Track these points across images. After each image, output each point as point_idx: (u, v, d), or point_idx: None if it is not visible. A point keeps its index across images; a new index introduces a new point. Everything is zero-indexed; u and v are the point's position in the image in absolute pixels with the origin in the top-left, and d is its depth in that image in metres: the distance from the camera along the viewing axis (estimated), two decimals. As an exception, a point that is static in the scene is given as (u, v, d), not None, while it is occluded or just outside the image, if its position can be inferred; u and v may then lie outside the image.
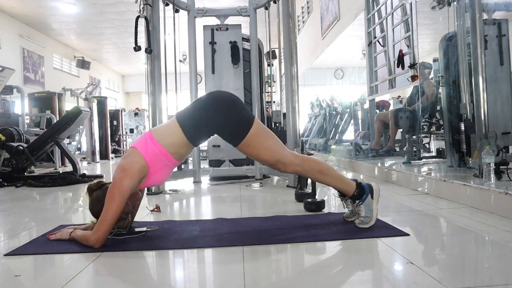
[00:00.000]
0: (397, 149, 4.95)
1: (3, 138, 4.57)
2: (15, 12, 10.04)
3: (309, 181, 3.13)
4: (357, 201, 1.92)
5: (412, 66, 3.83)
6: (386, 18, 4.57)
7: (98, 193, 1.84)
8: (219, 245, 1.75)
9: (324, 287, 1.29)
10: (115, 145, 10.16)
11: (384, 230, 1.86)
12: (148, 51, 3.32)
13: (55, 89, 8.45)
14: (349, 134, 7.53)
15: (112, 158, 9.21)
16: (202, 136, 1.95)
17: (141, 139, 1.88)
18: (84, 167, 6.51)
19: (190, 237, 1.86)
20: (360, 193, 1.92)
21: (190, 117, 1.89)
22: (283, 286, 1.31)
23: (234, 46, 4.02)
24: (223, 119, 1.87)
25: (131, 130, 13.37)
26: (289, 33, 3.45)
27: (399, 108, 4.89)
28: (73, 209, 2.94)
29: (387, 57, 4.74)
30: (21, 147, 4.50)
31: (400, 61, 3.98)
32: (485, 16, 3.09)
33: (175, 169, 3.68)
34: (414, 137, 4.23)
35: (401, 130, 4.55)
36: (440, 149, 4.22)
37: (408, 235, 1.77)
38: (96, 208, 1.81)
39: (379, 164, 4.12)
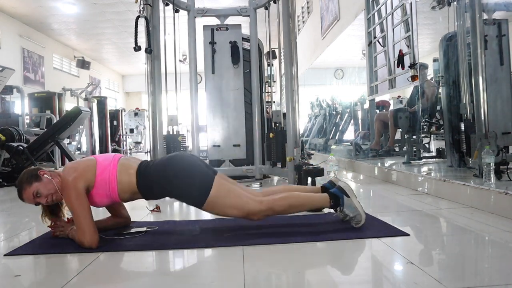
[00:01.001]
0: (397, 149, 4.94)
1: (3, 138, 4.57)
2: (15, 12, 10.03)
3: (309, 181, 3.14)
4: (338, 208, 1.93)
5: (412, 66, 3.83)
6: (386, 18, 4.57)
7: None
8: (219, 245, 1.75)
9: (324, 287, 1.29)
10: (115, 145, 10.16)
11: (384, 230, 1.86)
12: (148, 51, 3.32)
13: (55, 89, 8.44)
14: (349, 134, 7.53)
15: (112, 158, 9.19)
16: (157, 196, 1.92)
17: (107, 157, 1.85)
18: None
19: (190, 237, 1.87)
20: (335, 201, 1.92)
21: (148, 177, 1.83)
22: (283, 286, 1.31)
23: (234, 46, 4.02)
24: (180, 191, 1.83)
25: (131, 130, 13.37)
26: (289, 33, 3.45)
27: (399, 108, 4.89)
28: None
29: (387, 57, 4.74)
30: (21, 147, 4.51)
31: (400, 61, 3.98)
32: (485, 16, 3.09)
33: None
34: (414, 137, 4.23)
35: (400, 130, 4.55)
36: (440, 149, 4.22)
37: (408, 235, 1.77)
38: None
39: (379, 164, 4.12)
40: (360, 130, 6.71)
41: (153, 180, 1.82)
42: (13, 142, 4.61)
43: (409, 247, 1.66)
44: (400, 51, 4.00)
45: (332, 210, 1.97)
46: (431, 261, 1.52)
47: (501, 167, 2.59)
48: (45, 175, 1.79)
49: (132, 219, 2.12)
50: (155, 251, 1.68)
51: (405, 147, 4.60)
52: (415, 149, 4.19)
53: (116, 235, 1.80)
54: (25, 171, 1.82)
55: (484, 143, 2.70)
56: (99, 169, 1.77)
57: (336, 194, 1.93)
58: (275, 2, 3.86)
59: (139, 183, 1.81)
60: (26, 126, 6.54)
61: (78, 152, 8.65)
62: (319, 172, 3.12)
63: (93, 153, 8.01)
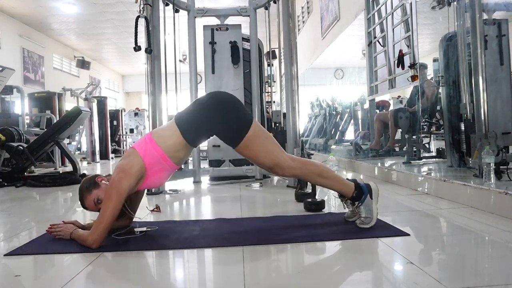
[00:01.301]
0: (397, 149, 4.94)
1: (3, 138, 4.57)
2: (15, 12, 10.04)
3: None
4: (356, 203, 1.92)
5: (412, 66, 3.83)
6: (386, 18, 4.57)
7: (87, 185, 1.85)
8: (219, 245, 1.75)
9: (324, 287, 1.29)
10: (115, 145, 10.16)
11: (384, 230, 1.86)
12: (148, 51, 3.32)
13: (55, 89, 8.44)
14: (349, 134, 7.53)
15: (112, 158, 9.21)
16: (201, 137, 1.96)
17: (141, 140, 1.88)
18: (84, 167, 6.51)
19: (190, 237, 1.86)
20: (358, 194, 1.92)
21: (189, 119, 1.89)
22: (283, 286, 1.31)
23: (234, 46, 4.02)
24: (222, 120, 1.87)
25: (131, 130, 13.37)
26: (289, 33, 3.45)
27: (399, 108, 4.89)
28: (73, 209, 2.94)
29: (387, 57, 4.74)
30: (21, 147, 4.50)
31: (400, 61, 3.98)
32: (485, 16, 3.09)
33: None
34: (414, 137, 4.23)
35: (400, 130, 4.56)
36: (440, 149, 4.22)
37: (408, 235, 1.77)
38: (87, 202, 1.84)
39: (379, 164, 4.12)
40: (360, 130, 6.71)
41: (197, 117, 1.88)
42: (13, 142, 4.61)
43: (409, 247, 1.66)
44: (400, 51, 4.00)
45: (333, 210, 1.97)
46: (431, 261, 1.52)
47: (501, 167, 2.59)
48: (103, 181, 1.84)
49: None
50: (155, 251, 1.68)
51: (405, 147, 4.61)
52: (415, 149, 4.19)
53: (117, 236, 1.80)
54: (84, 180, 1.87)
55: (484, 143, 2.70)
56: (142, 154, 1.79)
57: (363, 189, 1.93)
58: (275, 2, 3.86)
59: (185, 134, 1.84)
60: (26, 126, 6.55)
61: (78, 152, 8.65)
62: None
63: (93, 153, 8.01)
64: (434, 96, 4.51)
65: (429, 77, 4.91)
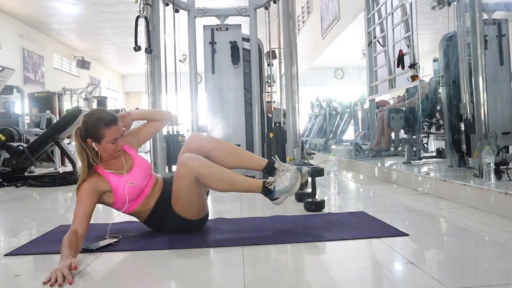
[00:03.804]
0: (392, 149, 4.94)
1: (3, 138, 4.57)
2: (15, 12, 10.03)
3: (309, 180, 3.13)
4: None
5: (412, 66, 3.82)
6: (386, 18, 4.57)
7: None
8: (219, 245, 1.75)
9: (324, 287, 1.29)
10: (115, 145, 10.14)
11: (384, 230, 1.86)
12: (148, 51, 3.33)
13: (55, 89, 8.44)
14: (349, 134, 7.52)
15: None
16: None
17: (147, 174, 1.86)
18: (84, 167, 6.49)
19: (189, 237, 1.86)
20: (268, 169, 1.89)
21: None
22: (283, 286, 1.31)
23: (234, 46, 4.02)
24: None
25: (131, 130, 13.35)
26: (289, 33, 3.46)
27: (392, 108, 4.89)
28: (73, 209, 2.94)
29: (387, 57, 4.73)
30: (21, 147, 4.50)
31: (400, 61, 3.97)
32: (485, 16, 3.09)
33: (174, 168, 3.68)
34: (414, 137, 4.23)
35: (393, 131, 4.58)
36: (440, 149, 4.22)
37: (408, 235, 1.77)
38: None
39: (379, 164, 4.12)
40: (360, 130, 6.71)
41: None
42: (13, 142, 4.60)
43: (409, 247, 1.66)
44: (400, 51, 4.00)
45: (333, 210, 1.95)
46: (431, 261, 1.52)
47: (501, 167, 2.59)
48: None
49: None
50: (155, 251, 1.68)
51: (399, 147, 4.62)
52: (415, 149, 4.19)
53: (86, 250, 1.65)
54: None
55: (484, 143, 2.70)
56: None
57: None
58: (275, 2, 3.86)
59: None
60: (26, 126, 6.54)
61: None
62: (319, 172, 3.12)
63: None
64: (425, 96, 4.50)
65: (428, 78, 4.91)
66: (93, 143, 1.73)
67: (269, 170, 1.86)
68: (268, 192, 1.79)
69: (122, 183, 1.76)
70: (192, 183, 1.74)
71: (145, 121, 2.03)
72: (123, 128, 1.83)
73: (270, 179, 1.81)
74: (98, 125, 1.71)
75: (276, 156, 2.00)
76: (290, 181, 1.77)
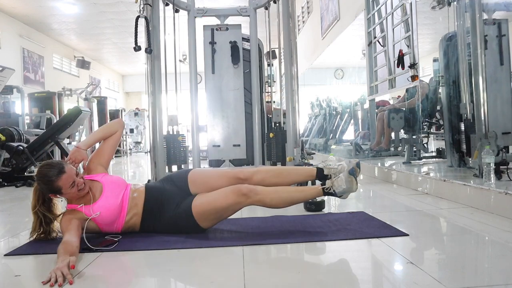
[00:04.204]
0: (392, 149, 4.94)
1: (3, 138, 4.57)
2: (15, 12, 10.03)
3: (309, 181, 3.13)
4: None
5: (412, 66, 3.82)
6: (386, 18, 4.57)
7: None
8: (219, 245, 1.75)
9: (324, 287, 1.29)
10: (115, 145, 10.13)
11: (384, 230, 1.86)
12: (148, 51, 3.32)
13: (55, 89, 8.44)
14: (349, 134, 7.52)
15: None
16: None
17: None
18: (84, 167, 6.50)
19: (190, 237, 1.86)
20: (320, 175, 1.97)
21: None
22: (283, 286, 1.31)
23: (234, 46, 4.01)
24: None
25: (131, 130, 13.37)
26: (289, 33, 3.45)
27: (392, 108, 4.89)
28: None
29: (387, 57, 4.73)
30: (21, 147, 4.50)
31: (400, 61, 3.97)
32: (485, 16, 3.09)
33: (175, 168, 3.69)
34: (414, 137, 4.23)
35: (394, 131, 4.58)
36: (440, 149, 4.22)
37: (408, 235, 1.77)
38: None
39: (379, 164, 4.12)
40: (360, 130, 6.71)
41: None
42: (13, 142, 4.60)
43: (409, 247, 1.66)
44: (400, 51, 4.00)
45: (333, 210, 1.96)
46: (431, 261, 1.52)
47: (501, 167, 2.59)
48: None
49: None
50: (155, 251, 1.68)
51: (399, 147, 4.62)
52: (415, 149, 4.19)
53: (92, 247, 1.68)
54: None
55: (484, 143, 2.70)
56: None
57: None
58: (275, 2, 3.85)
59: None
60: (25, 126, 6.54)
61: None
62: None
63: (92, 151, 7.99)
64: (429, 96, 4.50)
65: (428, 78, 4.91)
66: (57, 196, 1.83)
67: (321, 177, 1.94)
68: (331, 194, 1.88)
69: (92, 212, 1.81)
70: (239, 208, 1.86)
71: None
72: (81, 161, 1.94)
73: (327, 183, 1.88)
74: (49, 181, 1.77)
75: (322, 162, 2.03)
76: (347, 185, 1.85)
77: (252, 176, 1.95)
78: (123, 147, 10.76)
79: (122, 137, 10.95)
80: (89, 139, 2.10)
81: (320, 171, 1.95)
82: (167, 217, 1.88)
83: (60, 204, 1.91)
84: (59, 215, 1.86)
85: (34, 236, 1.84)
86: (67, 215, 1.79)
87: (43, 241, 1.85)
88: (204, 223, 1.86)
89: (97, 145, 2.14)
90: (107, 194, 1.86)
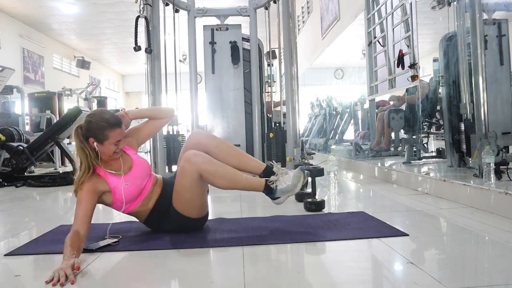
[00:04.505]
0: (392, 149, 4.94)
1: (3, 138, 4.57)
2: (15, 12, 10.03)
3: (309, 180, 3.14)
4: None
5: (412, 66, 3.82)
6: (386, 18, 4.57)
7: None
8: (219, 245, 1.75)
9: (324, 287, 1.29)
10: (115, 145, 10.13)
11: (384, 230, 1.86)
12: (148, 51, 3.33)
13: (55, 89, 8.43)
14: (349, 134, 7.52)
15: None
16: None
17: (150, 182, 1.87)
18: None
19: (189, 237, 1.86)
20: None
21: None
22: (283, 286, 1.31)
23: (234, 46, 4.02)
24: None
25: (131, 130, 13.35)
26: (289, 33, 3.46)
27: (392, 108, 4.89)
28: (73, 209, 2.94)
29: (387, 57, 4.73)
30: (21, 147, 4.50)
31: (400, 61, 3.97)
32: (485, 16, 3.09)
33: (174, 168, 3.68)
34: (414, 137, 4.23)
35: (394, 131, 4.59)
36: (440, 149, 4.22)
37: (408, 235, 1.77)
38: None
39: (379, 164, 4.12)
40: (360, 130, 6.71)
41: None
42: (13, 142, 4.60)
43: (409, 247, 1.66)
44: (400, 51, 3.99)
45: (333, 210, 1.95)
46: (431, 261, 1.52)
47: (501, 167, 2.59)
48: None
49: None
50: (155, 251, 1.68)
51: (399, 147, 4.62)
52: (415, 149, 4.19)
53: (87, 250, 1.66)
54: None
55: (484, 143, 2.70)
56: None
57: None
58: (275, 2, 3.86)
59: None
60: (26, 127, 6.54)
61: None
62: (319, 172, 3.12)
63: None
64: (429, 96, 4.50)
65: (428, 78, 4.91)
66: (95, 143, 1.72)
67: (267, 175, 1.85)
68: (270, 191, 1.80)
69: (119, 184, 1.76)
70: (195, 180, 1.75)
71: (145, 119, 2.03)
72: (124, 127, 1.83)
73: (272, 177, 1.81)
74: (102, 126, 1.70)
75: (273, 160, 2.00)
76: (293, 181, 1.78)
77: (204, 142, 1.88)
78: (123, 147, 10.74)
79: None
80: (139, 111, 2.05)
81: (269, 168, 1.88)
82: (167, 221, 1.86)
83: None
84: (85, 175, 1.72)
85: (88, 173, 1.70)
86: (89, 185, 1.70)
87: (43, 241, 1.85)
88: (191, 212, 1.82)
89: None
90: (135, 174, 1.81)
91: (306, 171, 1.85)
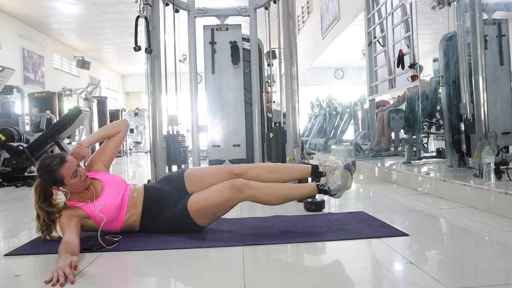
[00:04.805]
0: (392, 149, 4.94)
1: (3, 138, 4.57)
2: (15, 12, 10.02)
3: (309, 181, 3.13)
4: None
5: (412, 66, 3.82)
6: (386, 18, 4.57)
7: None
8: (219, 245, 1.75)
9: (324, 287, 1.29)
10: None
11: (384, 230, 1.86)
12: (148, 51, 3.32)
13: (55, 89, 8.43)
14: (349, 134, 7.52)
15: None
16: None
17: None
18: (84, 167, 6.49)
19: (190, 237, 1.86)
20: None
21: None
22: (283, 286, 1.31)
23: (234, 46, 4.01)
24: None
25: (131, 130, 13.34)
26: (289, 33, 3.45)
27: (391, 109, 4.89)
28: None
29: (387, 57, 4.73)
30: (21, 147, 4.50)
31: (400, 61, 3.97)
32: (485, 16, 3.09)
33: (175, 168, 3.68)
34: (414, 137, 4.23)
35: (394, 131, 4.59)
36: (440, 149, 4.22)
37: (408, 235, 1.77)
38: None
39: (379, 164, 4.12)
40: (360, 130, 6.71)
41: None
42: (13, 142, 4.60)
43: (409, 247, 1.66)
44: (400, 51, 3.99)
45: (333, 210, 1.96)
46: (431, 261, 1.52)
47: (501, 167, 2.59)
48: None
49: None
50: (155, 251, 1.68)
51: (399, 147, 4.62)
52: (415, 149, 4.19)
53: (87, 250, 1.68)
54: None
55: (484, 143, 2.70)
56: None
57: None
58: (275, 2, 3.85)
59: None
60: (27, 128, 6.54)
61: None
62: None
63: (92, 151, 7.99)
64: (429, 96, 4.50)
65: (428, 78, 4.91)
66: (60, 188, 1.79)
67: (316, 175, 1.95)
68: (324, 192, 1.88)
69: (95, 208, 1.80)
70: (231, 205, 1.85)
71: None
72: (83, 158, 1.94)
73: (322, 180, 1.89)
74: (50, 171, 1.76)
75: (318, 160, 2.07)
76: (342, 180, 1.85)
77: (247, 171, 1.95)
78: (123, 147, 10.76)
79: (122, 137, 10.94)
80: (92, 137, 2.10)
81: (315, 168, 1.96)
82: (165, 217, 1.87)
83: (62, 201, 1.89)
84: (61, 209, 1.81)
85: (43, 235, 1.80)
86: (67, 212, 1.77)
87: (43, 241, 1.85)
88: (201, 221, 1.86)
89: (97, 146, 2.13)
90: (108, 193, 1.86)
91: (351, 166, 1.90)
